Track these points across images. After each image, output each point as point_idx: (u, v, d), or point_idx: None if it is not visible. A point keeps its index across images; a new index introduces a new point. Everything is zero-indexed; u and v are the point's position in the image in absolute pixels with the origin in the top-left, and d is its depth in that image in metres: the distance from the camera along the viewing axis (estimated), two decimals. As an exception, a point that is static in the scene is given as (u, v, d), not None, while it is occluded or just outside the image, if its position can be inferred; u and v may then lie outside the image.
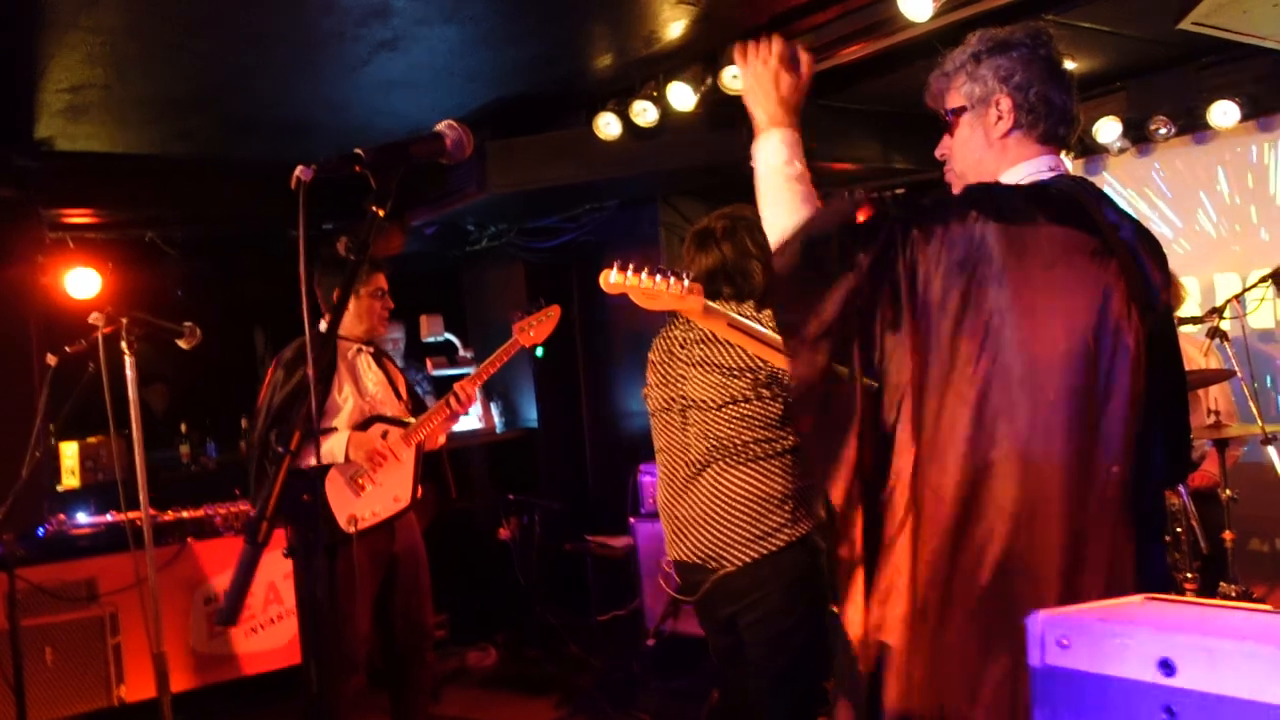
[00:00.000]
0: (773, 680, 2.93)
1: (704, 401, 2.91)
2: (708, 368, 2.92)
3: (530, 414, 7.00)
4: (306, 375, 3.82)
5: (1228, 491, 4.09)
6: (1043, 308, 1.75)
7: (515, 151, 5.54)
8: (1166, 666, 1.14)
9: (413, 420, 3.97)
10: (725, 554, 2.87)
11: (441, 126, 1.74)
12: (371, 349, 4.05)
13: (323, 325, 3.96)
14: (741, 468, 2.87)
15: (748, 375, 2.87)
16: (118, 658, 4.62)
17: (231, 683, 5.00)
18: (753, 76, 2.10)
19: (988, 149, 2.01)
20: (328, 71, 4.57)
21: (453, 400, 3.96)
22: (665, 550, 3.08)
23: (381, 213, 1.59)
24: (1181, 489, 3.98)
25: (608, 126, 5.25)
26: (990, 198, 1.85)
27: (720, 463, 2.89)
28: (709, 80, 4.82)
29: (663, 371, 3.05)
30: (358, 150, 1.59)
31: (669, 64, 4.92)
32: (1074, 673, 1.23)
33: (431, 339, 6.78)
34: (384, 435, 3.89)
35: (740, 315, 2.70)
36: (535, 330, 4.06)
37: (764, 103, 2.09)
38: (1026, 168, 1.97)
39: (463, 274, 7.40)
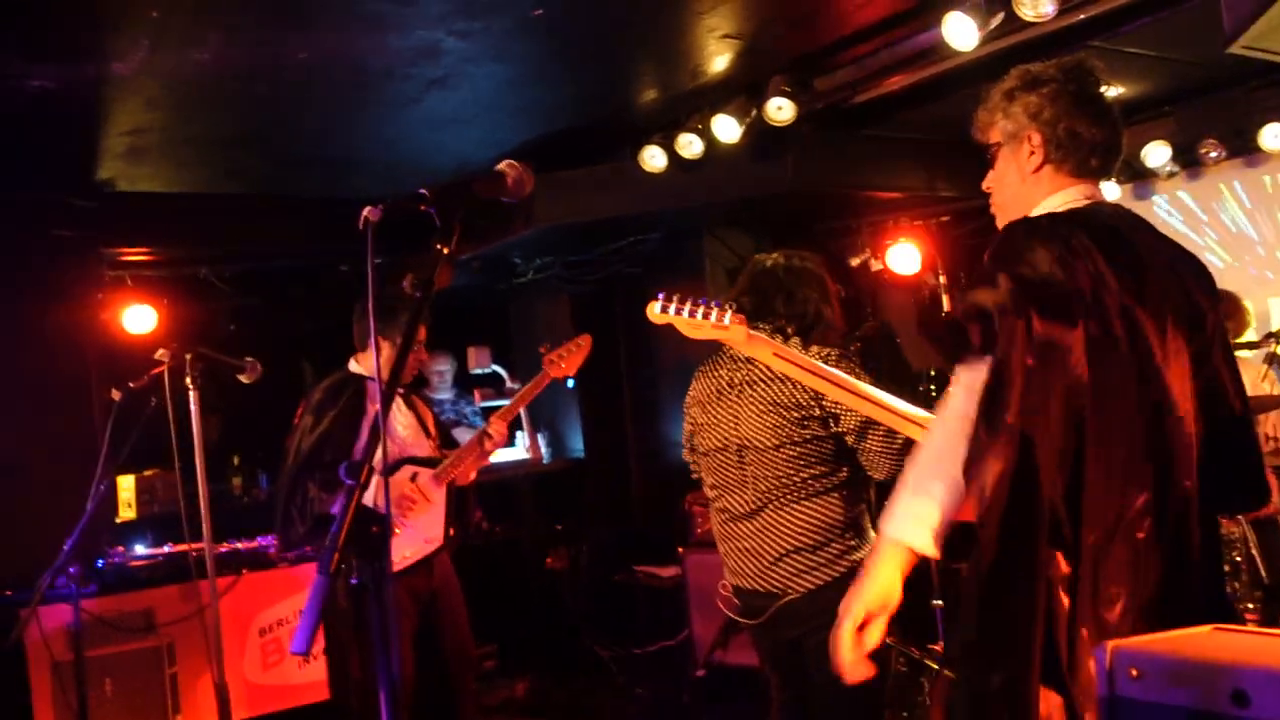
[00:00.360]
0: (835, 699, 2.90)
1: (761, 442, 2.95)
2: (763, 407, 2.96)
3: (577, 444, 7.04)
4: (337, 416, 3.83)
5: (1288, 519, 4.02)
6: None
7: (561, 185, 5.60)
8: (1240, 698, 1.14)
9: (443, 459, 3.95)
10: (790, 583, 2.92)
11: (503, 166, 1.78)
12: (401, 390, 4.03)
13: (352, 364, 4.01)
14: (801, 504, 2.92)
15: (801, 412, 2.90)
16: (174, 687, 4.68)
17: (285, 712, 5.04)
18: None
19: (1022, 184, 2.08)
20: (378, 109, 4.66)
21: (486, 441, 3.93)
22: (725, 577, 3.11)
23: (446, 250, 1.63)
24: (1240, 517, 3.92)
25: (653, 159, 5.29)
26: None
27: (779, 499, 2.94)
28: (754, 112, 4.85)
29: (713, 412, 3.08)
30: (423, 190, 1.63)
31: (713, 96, 4.96)
32: (1145, 704, 1.23)
33: (479, 370, 6.85)
34: (413, 477, 3.88)
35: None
36: (566, 362, 4.03)
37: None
38: (1060, 198, 2.04)
39: (509, 306, 7.48)
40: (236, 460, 6.38)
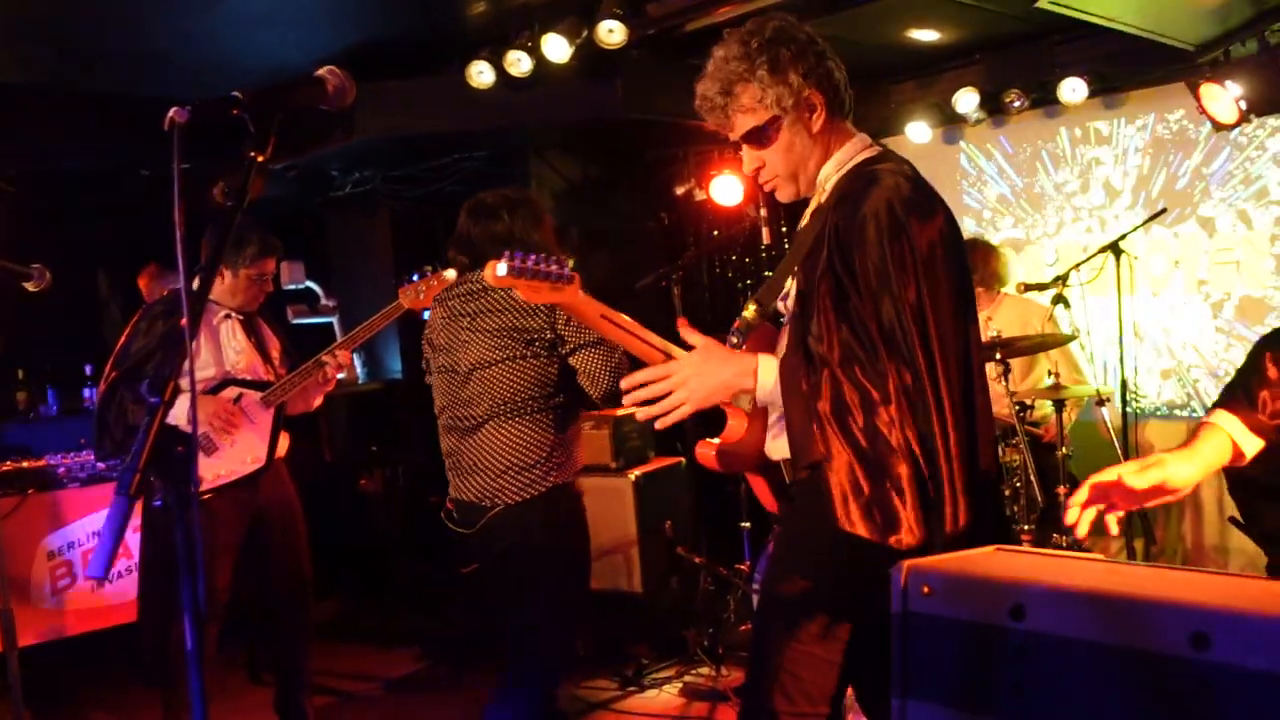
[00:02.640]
0: (527, 608, 3.23)
1: (485, 361, 3.14)
2: (492, 333, 3.13)
3: (395, 365, 6.90)
4: (173, 329, 3.71)
5: (1064, 449, 4.36)
6: None
7: (385, 96, 5.40)
8: (1018, 612, 1.24)
9: (273, 383, 3.88)
10: (499, 497, 3.11)
11: (323, 72, 1.70)
12: (241, 317, 3.93)
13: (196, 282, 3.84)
14: (516, 420, 3.11)
15: (529, 335, 3.08)
16: (-48, 614, 4.39)
17: (80, 637, 4.82)
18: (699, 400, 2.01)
19: (813, 144, 2.09)
20: (184, 2, 4.35)
21: (324, 372, 3.87)
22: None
23: (261, 159, 1.54)
24: (1023, 446, 4.23)
25: (480, 75, 5.16)
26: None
27: (499, 417, 3.13)
28: (585, 33, 4.79)
29: (447, 338, 3.26)
30: (236, 93, 1.54)
31: (545, 14, 4.86)
32: (934, 617, 1.32)
33: (292, 286, 6.58)
34: (237, 398, 3.83)
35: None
36: (425, 294, 3.92)
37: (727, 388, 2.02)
38: (850, 149, 2.10)
39: (326, 220, 7.19)
40: (21, 374, 5.96)
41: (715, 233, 6.29)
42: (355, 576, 6.11)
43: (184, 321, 1.36)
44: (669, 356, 2.13)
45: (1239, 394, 1.69)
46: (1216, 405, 1.71)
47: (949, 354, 1.90)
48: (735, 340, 2.17)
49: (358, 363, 6.70)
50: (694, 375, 1.97)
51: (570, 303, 2.26)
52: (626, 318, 2.45)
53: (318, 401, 4.09)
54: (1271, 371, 1.66)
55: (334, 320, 6.78)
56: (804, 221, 2.18)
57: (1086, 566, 1.39)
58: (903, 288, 1.89)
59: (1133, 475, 1.59)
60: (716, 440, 2.25)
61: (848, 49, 5.84)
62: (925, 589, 1.32)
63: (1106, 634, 1.17)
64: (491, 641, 5.12)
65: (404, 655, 5.26)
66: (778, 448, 2.10)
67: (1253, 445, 1.66)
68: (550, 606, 3.21)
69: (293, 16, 4.63)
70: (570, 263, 2.26)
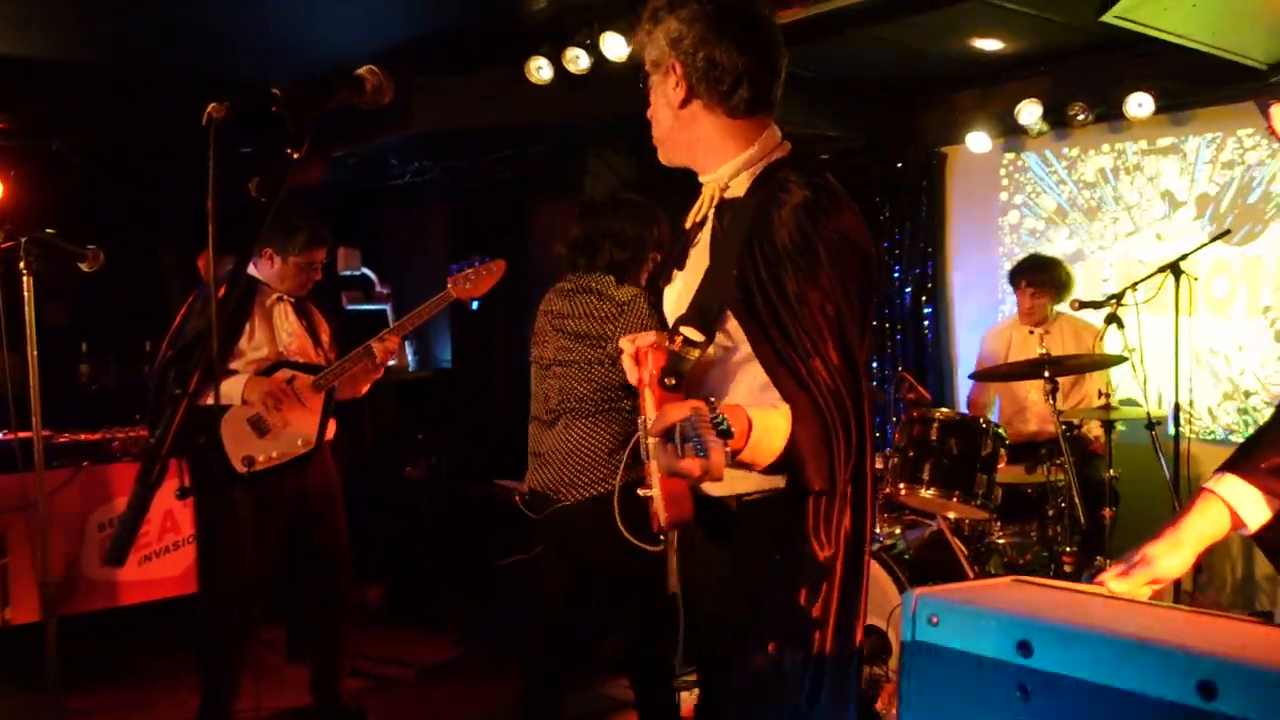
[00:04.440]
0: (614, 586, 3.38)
1: (562, 360, 3.31)
2: (569, 334, 3.29)
3: (444, 354, 6.97)
4: (214, 312, 3.79)
5: (1111, 470, 4.27)
6: None
7: (443, 89, 5.45)
8: (1024, 648, 1.21)
9: (324, 367, 3.95)
10: (567, 490, 3.26)
11: (363, 71, 1.72)
12: (293, 300, 4.00)
13: (251, 266, 3.93)
14: (588, 419, 3.26)
15: (595, 340, 3.23)
16: (4, 579, 4.52)
17: (126, 608, 4.94)
18: None
19: (674, 119, 1.88)
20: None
21: (372, 360, 3.94)
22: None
23: (296, 155, 1.57)
24: (1068, 466, 4.15)
25: (540, 71, 5.18)
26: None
27: (572, 413, 3.28)
28: (643, 32, 4.78)
29: (542, 328, 3.42)
30: (274, 90, 1.56)
31: (604, 12, 4.87)
32: (941, 649, 1.30)
33: (348, 272, 6.68)
34: (290, 380, 3.89)
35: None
36: (474, 284, 3.99)
37: None
38: (756, 150, 1.86)
39: (383, 208, 7.28)
40: (85, 347, 6.11)
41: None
42: (397, 562, 6.19)
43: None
44: None
45: (1254, 455, 1.47)
46: (1224, 468, 1.50)
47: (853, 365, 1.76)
48: (671, 382, 1.80)
49: (408, 350, 6.78)
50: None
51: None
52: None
53: (365, 388, 4.15)
54: None
55: (388, 308, 6.87)
56: (700, 215, 1.95)
57: (1102, 604, 1.37)
58: (814, 290, 1.73)
59: (1117, 581, 1.46)
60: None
61: (912, 56, 5.80)
62: (933, 619, 1.30)
63: (1112, 676, 1.14)
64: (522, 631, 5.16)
65: (440, 642, 5.32)
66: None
67: (1260, 516, 1.47)
68: (617, 608, 3.38)
69: (357, 5, 4.68)
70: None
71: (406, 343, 6.76)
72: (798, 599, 1.74)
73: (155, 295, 6.59)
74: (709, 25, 1.80)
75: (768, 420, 1.67)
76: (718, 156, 1.89)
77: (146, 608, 4.98)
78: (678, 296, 1.95)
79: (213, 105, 1.48)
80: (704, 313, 1.79)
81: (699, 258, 1.90)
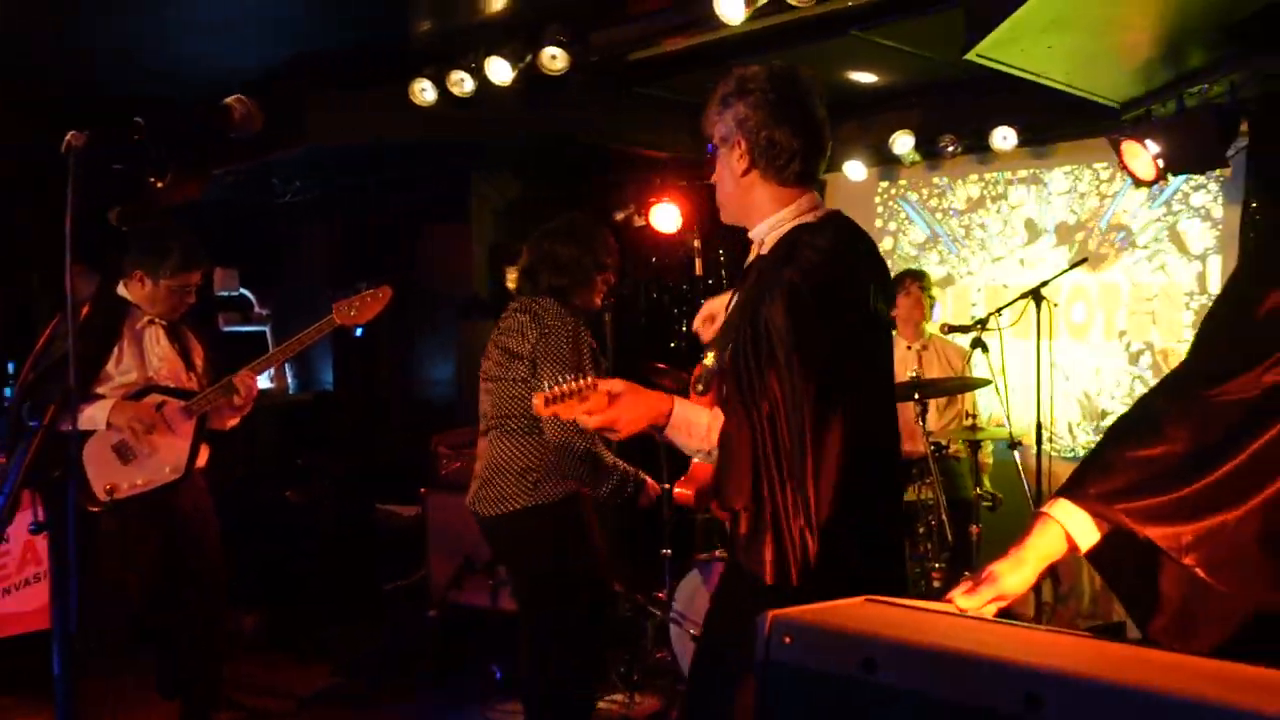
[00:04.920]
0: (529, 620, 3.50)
1: (492, 375, 3.40)
2: (500, 350, 3.38)
3: (326, 376, 6.86)
4: (86, 331, 3.68)
5: (978, 489, 4.45)
6: None
7: (332, 107, 5.40)
8: (869, 665, 1.28)
9: (197, 392, 3.85)
10: (489, 506, 3.36)
11: (231, 100, 1.71)
12: (164, 323, 3.89)
13: (120, 287, 3.82)
14: (510, 438, 3.33)
15: (520, 361, 3.29)
16: None
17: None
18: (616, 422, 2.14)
19: (735, 186, 2.23)
20: (129, 3, 4.32)
21: (235, 395, 3.82)
22: None
23: (160, 185, 1.55)
24: (936, 485, 4.31)
25: (424, 92, 5.16)
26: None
27: (497, 429, 3.37)
28: (528, 57, 4.82)
29: (487, 348, 3.50)
30: (137, 119, 1.55)
31: (489, 36, 4.88)
32: (794, 667, 1.36)
33: (225, 293, 6.52)
34: (160, 406, 3.79)
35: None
36: (359, 311, 3.89)
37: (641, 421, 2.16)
38: (790, 212, 2.21)
39: (265, 227, 7.14)
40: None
41: (653, 260, 6.34)
42: (277, 588, 6.04)
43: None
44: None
45: (1084, 481, 1.56)
46: (1058, 492, 1.60)
47: (833, 427, 2.03)
48: (700, 388, 2.33)
49: (289, 373, 6.65)
50: (618, 413, 2.12)
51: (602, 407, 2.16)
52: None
53: (232, 423, 4.02)
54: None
55: (267, 330, 6.73)
56: (748, 263, 2.35)
57: (946, 622, 1.44)
58: (796, 358, 2.03)
59: (965, 598, 1.53)
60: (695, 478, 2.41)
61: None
62: (787, 638, 1.36)
63: (948, 690, 1.21)
64: (410, 658, 5.10)
65: (322, 670, 5.20)
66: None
67: (1090, 538, 1.55)
68: (536, 622, 3.43)
69: (235, 23, 4.60)
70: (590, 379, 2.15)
71: (287, 365, 6.63)
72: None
73: (23, 317, 6.33)
74: (771, 111, 2.16)
75: (692, 411, 2.16)
76: (764, 218, 2.25)
77: (6, 642, 4.76)
78: (721, 324, 2.38)
79: (72, 134, 1.46)
80: (722, 338, 2.28)
81: (740, 298, 2.32)
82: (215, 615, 4.01)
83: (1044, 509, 1.60)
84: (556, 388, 2.06)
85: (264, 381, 6.40)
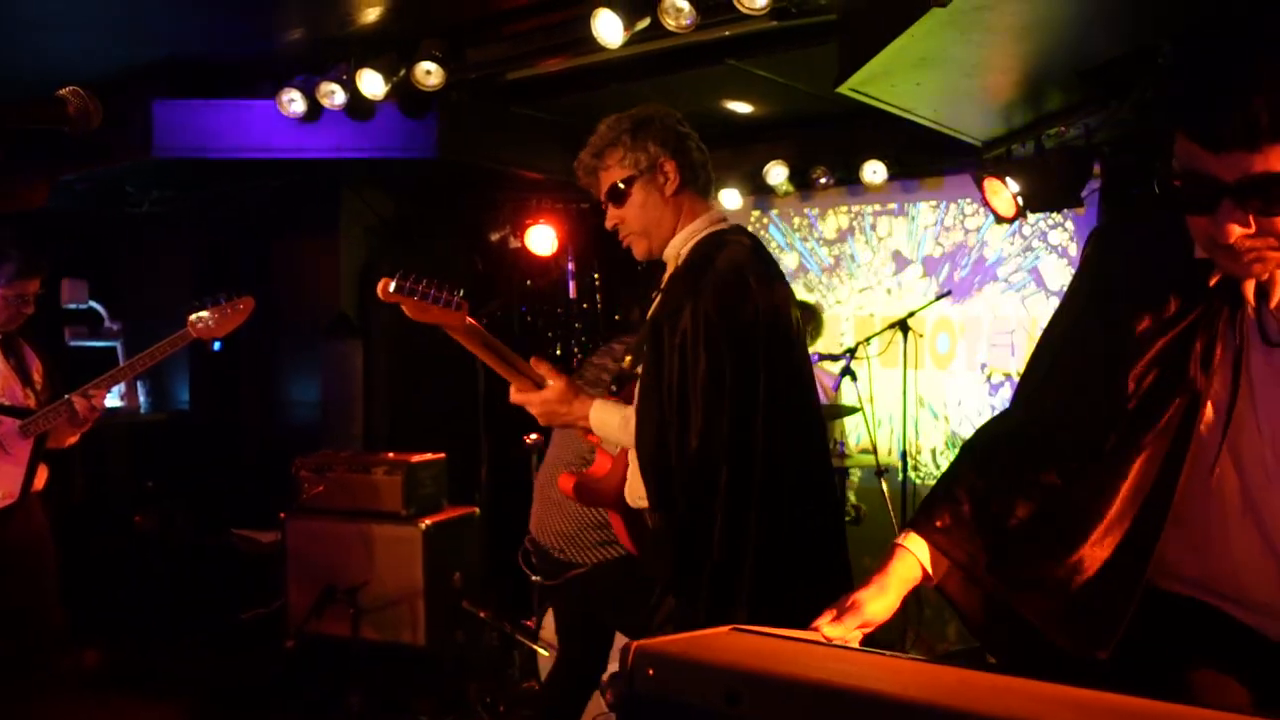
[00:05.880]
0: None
1: None
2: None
3: (182, 395, 6.55)
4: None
5: (848, 515, 4.51)
6: None
7: (190, 115, 5.17)
8: (732, 697, 1.24)
9: (34, 410, 3.60)
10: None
11: (65, 92, 1.58)
12: (0, 335, 3.65)
13: None
14: None
15: None
16: None
17: None
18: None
19: (665, 207, 2.37)
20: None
21: (73, 414, 3.56)
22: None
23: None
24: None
25: (292, 103, 5.02)
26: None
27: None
28: (402, 71, 4.72)
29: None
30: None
31: (362, 48, 4.77)
32: (657, 701, 1.31)
33: (73, 306, 6.18)
34: None
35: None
36: (217, 323, 3.65)
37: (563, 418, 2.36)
38: (703, 222, 2.38)
39: (119, 239, 6.80)
40: None
41: (528, 282, 6.28)
42: (123, 622, 5.71)
43: None
44: (538, 385, 2.38)
45: (931, 513, 1.64)
46: (909, 524, 1.67)
47: (752, 421, 2.16)
48: (614, 388, 2.50)
49: (141, 391, 6.33)
50: (544, 408, 2.35)
51: (455, 325, 2.35)
52: (505, 348, 2.57)
53: (71, 440, 3.77)
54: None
55: (118, 345, 6.39)
56: (663, 284, 2.44)
57: (810, 651, 1.42)
58: (714, 358, 2.15)
59: (831, 626, 1.54)
60: (580, 472, 2.55)
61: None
62: (650, 670, 1.31)
63: (810, 722, 1.18)
64: (265, 692, 4.88)
65: (171, 707, 4.93)
66: (634, 495, 2.35)
67: (939, 569, 1.62)
68: None
69: (81, 23, 4.38)
70: (460, 292, 2.35)
71: (139, 383, 6.31)
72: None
73: None
74: (675, 133, 2.38)
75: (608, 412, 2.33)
76: (684, 229, 2.40)
77: None
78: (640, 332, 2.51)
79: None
80: (639, 344, 2.44)
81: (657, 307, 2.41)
82: (46, 651, 3.74)
83: (898, 540, 1.66)
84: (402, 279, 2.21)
85: (113, 400, 6.09)
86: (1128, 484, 1.50)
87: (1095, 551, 1.50)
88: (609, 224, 2.42)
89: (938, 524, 1.62)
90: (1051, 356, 1.70)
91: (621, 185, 2.36)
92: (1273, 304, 1.46)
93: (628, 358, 2.53)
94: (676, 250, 2.39)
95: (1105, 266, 1.65)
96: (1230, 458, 1.49)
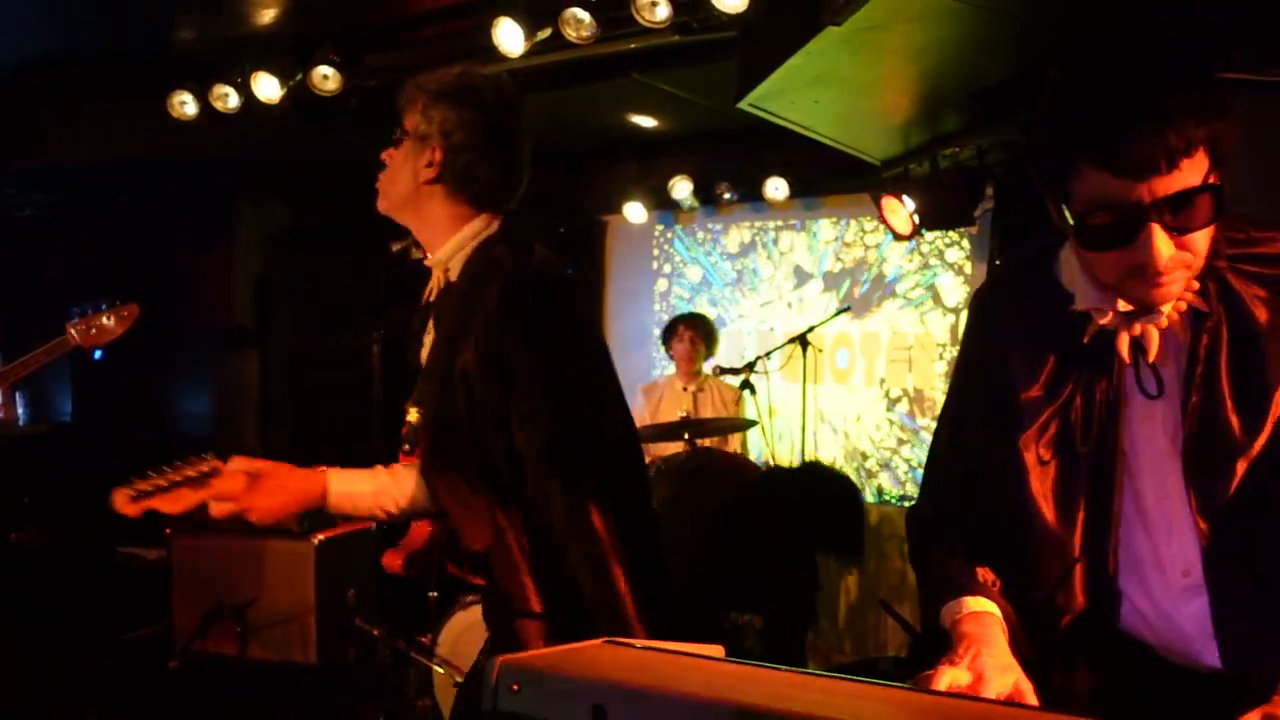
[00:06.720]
0: None
1: None
2: None
3: (64, 406, 6.30)
4: None
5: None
6: None
7: (77, 116, 5.00)
8: (599, 712, 1.21)
9: None
10: None
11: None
12: None
13: None
14: None
15: None
16: None
17: None
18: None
19: (413, 188, 2.05)
20: None
21: None
22: None
23: None
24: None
25: (184, 106, 4.88)
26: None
27: None
28: (299, 76, 4.62)
29: None
30: None
31: (257, 51, 4.66)
32: (521, 716, 1.27)
33: (-54, 313, 5.89)
34: None
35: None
36: (99, 330, 3.48)
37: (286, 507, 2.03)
38: (472, 229, 2.05)
39: (-1, 243, 6.52)
40: None
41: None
42: (1, 642, 5.45)
43: None
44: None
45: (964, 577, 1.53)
46: (952, 595, 1.52)
47: (569, 431, 1.98)
48: (407, 448, 2.15)
49: (19, 402, 6.06)
50: (255, 500, 1.97)
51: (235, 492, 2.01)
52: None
53: None
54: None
55: (-7, 357, 6.11)
56: (431, 296, 2.16)
57: (683, 665, 1.39)
58: (526, 368, 1.95)
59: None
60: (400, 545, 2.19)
61: (574, 125, 5.97)
62: (514, 685, 1.27)
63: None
64: (149, 713, 4.69)
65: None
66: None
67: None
68: None
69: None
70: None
71: (17, 393, 6.04)
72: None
73: None
74: (483, 138, 2.02)
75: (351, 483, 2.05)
76: (442, 235, 2.08)
77: None
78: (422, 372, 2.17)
79: None
80: (425, 399, 2.10)
81: (436, 338, 2.11)
82: None
83: (966, 611, 1.51)
84: (146, 481, 1.83)
85: (-12, 411, 5.81)
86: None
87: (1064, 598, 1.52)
88: (383, 155, 2.11)
89: (983, 581, 1.53)
90: (949, 438, 1.67)
91: (396, 134, 2.06)
92: (1151, 357, 1.44)
93: (414, 411, 2.13)
94: (443, 261, 2.09)
95: (988, 332, 1.63)
96: (1136, 514, 1.50)
